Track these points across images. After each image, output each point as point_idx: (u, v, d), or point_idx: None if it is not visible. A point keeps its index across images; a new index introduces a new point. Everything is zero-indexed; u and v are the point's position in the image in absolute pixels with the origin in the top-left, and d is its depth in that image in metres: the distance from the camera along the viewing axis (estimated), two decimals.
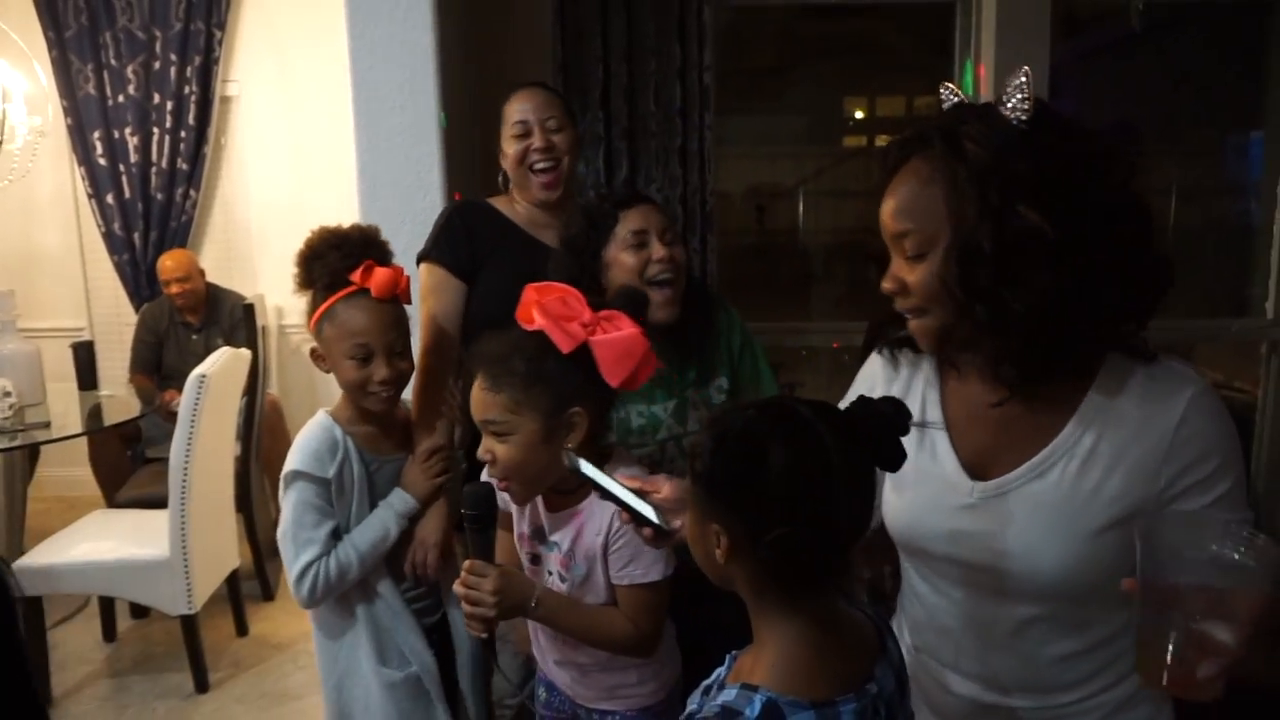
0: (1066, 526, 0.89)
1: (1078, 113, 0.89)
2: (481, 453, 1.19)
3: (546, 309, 1.16)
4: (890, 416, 0.81)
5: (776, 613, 0.80)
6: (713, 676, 0.84)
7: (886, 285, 0.93)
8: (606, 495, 1.03)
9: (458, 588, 1.19)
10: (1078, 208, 0.83)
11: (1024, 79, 0.84)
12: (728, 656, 0.85)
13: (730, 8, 2.81)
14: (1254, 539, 0.76)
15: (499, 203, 1.77)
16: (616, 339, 1.15)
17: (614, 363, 1.15)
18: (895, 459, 0.80)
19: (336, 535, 1.41)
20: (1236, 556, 0.74)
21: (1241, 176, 3.24)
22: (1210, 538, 0.77)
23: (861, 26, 3.46)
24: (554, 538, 1.26)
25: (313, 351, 1.44)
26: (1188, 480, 0.87)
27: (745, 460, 0.77)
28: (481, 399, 1.18)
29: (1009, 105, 0.85)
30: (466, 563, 1.19)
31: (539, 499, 1.27)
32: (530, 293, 1.19)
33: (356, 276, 1.38)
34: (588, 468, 1.04)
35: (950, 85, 0.94)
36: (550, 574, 1.27)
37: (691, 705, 0.82)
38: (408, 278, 1.44)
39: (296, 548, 1.38)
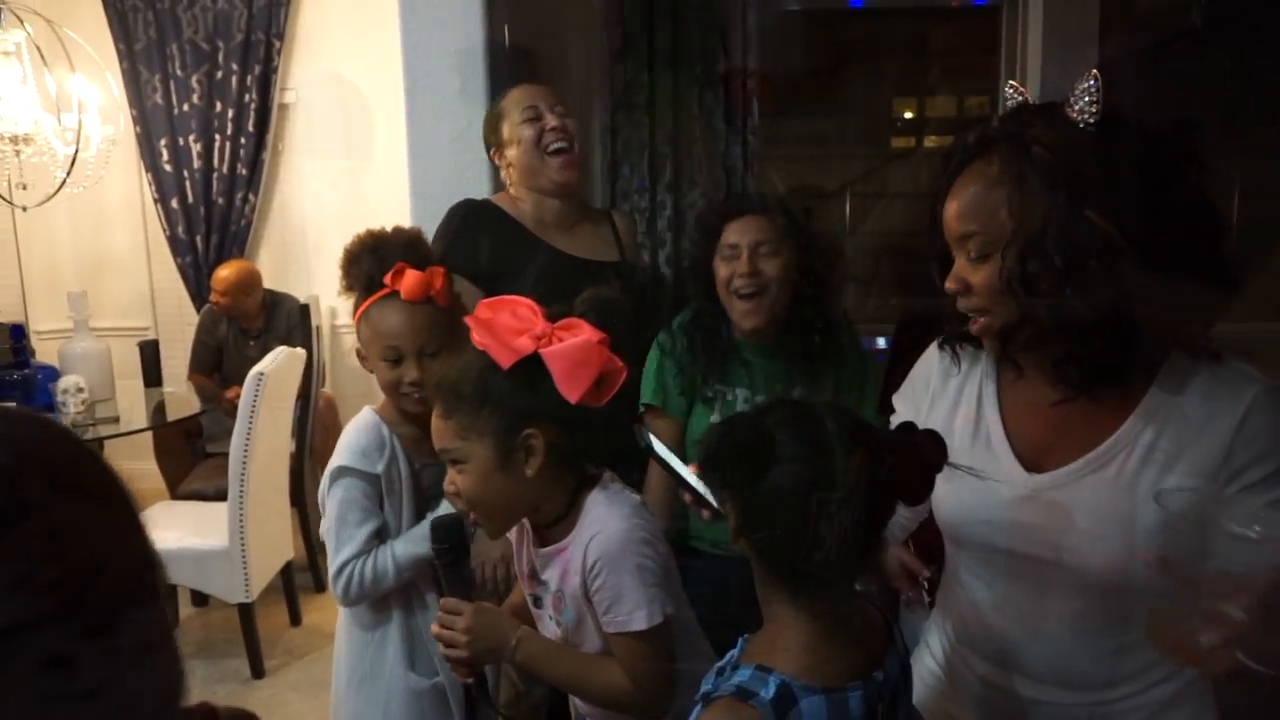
0: (1123, 522, 0.89)
1: (1137, 111, 0.88)
2: (446, 485, 1.11)
3: (488, 324, 1.05)
4: (926, 449, 0.79)
5: (780, 596, 0.81)
6: (725, 658, 0.86)
7: (950, 285, 0.94)
8: (673, 475, 1.02)
9: (434, 629, 1.12)
10: (1145, 211, 0.82)
11: (1093, 81, 0.84)
12: (740, 639, 0.86)
13: (776, 12, 2.81)
14: (1270, 517, 0.76)
15: (502, 201, 1.75)
16: (569, 348, 1.03)
17: (569, 374, 1.02)
18: (920, 495, 0.80)
19: (380, 536, 1.39)
20: (1253, 535, 0.74)
21: None
22: (1231, 517, 0.77)
23: (910, 27, 3.42)
24: (544, 576, 1.14)
25: (357, 352, 1.45)
26: (1247, 479, 0.86)
27: (741, 460, 0.78)
28: (436, 427, 1.08)
29: (1077, 107, 0.85)
30: (441, 601, 1.12)
31: (530, 534, 1.16)
32: (479, 309, 1.09)
33: (389, 279, 1.37)
34: (658, 445, 1.04)
35: (1015, 84, 0.94)
36: (549, 619, 1.15)
37: (706, 685, 0.83)
38: (443, 279, 1.41)
39: (338, 544, 1.37)
